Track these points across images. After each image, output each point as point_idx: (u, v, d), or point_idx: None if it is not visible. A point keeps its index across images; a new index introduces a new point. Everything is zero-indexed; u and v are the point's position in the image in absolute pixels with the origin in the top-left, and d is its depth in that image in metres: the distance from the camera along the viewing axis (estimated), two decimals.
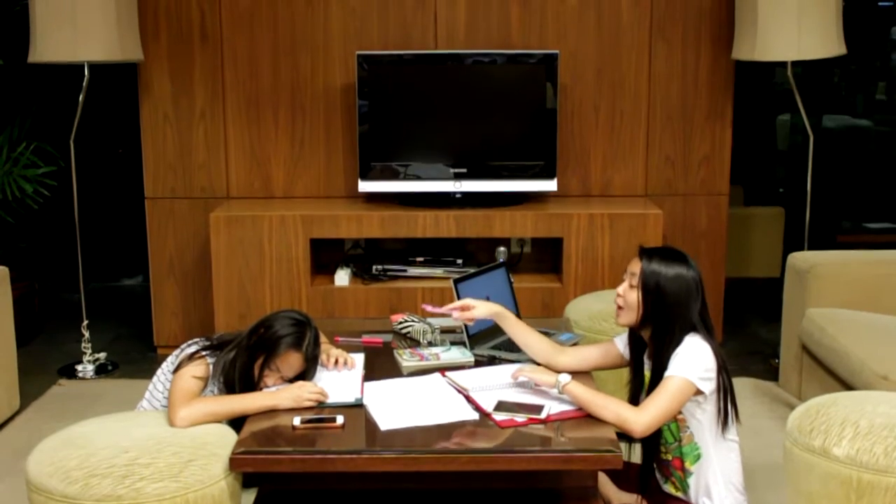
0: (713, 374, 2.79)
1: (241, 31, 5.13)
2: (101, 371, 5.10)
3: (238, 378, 3.05)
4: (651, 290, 2.83)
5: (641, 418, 2.71)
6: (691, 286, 2.83)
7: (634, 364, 2.99)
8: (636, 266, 2.88)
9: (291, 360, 3.06)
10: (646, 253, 2.88)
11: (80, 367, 5.12)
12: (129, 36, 4.85)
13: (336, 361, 3.23)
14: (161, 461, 2.67)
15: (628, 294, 2.89)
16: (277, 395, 2.95)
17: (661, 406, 2.73)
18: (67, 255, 5.41)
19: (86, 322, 5.13)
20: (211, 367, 3.07)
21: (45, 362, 5.25)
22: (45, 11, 4.72)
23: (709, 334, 2.86)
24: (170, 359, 3.21)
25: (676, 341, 2.81)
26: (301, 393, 2.92)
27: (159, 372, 3.25)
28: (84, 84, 4.94)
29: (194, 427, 2.87)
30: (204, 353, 3.09)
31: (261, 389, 3.04)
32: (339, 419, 2.78)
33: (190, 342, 3.17)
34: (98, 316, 5.53)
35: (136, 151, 5.33)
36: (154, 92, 5.18)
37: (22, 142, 5.42)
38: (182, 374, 3.01)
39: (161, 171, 5.22)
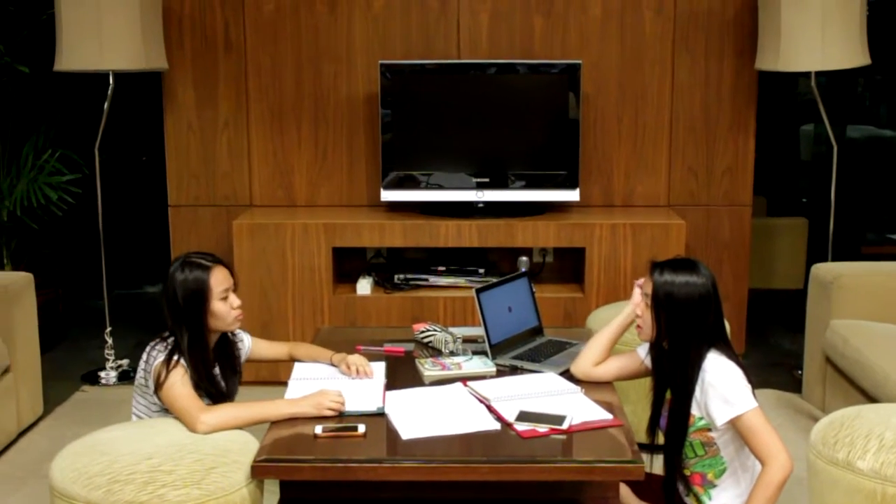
0: (750, 388, 2.79)
1: (264, 41, 5.16)
2: (123, 378, 5.12)
3: (200, 350, 3.10)
4: (662, 302, 2.83)
5: (779, 460, 2.67)
6: (702, 293, 2.82)
7: (657, 372, 2.99)
8: (648, 285, 2.88)
9: (220, 277, 3.14)
10: (656, 267, 2.88)
11: (102, 374, 5.14)
12: (153, 45, 4.88)
13: (357, 371, 3.25)
14: (183, 468, 2.68)
15: (645, 313, 2.91)
16: (299, 402, 2.95)
17: (772, 437, 2.70)
18: (91, 262, 5.44)
19: (109, 329, 5.16)
20: (183, 364, 3.06)
21: (68, 368, 5.28)
22: (71, 21, 4.76)
23: (727, 347, 2.85)
24: (139, 373, 3.17)
25: (695, 355, 2.80)
26: (322, 400, 2.93)
27: (135, 389, 3.24)
28: (109, 92, 4.97)
29: (216, 434, 2.87)
30: (172, 356, 3.07)
31: (233, 328, 3.18)
32: (361, 428, 2.79)
33: (151, 349, 3.13)
34: (121, 323, 5.55)
35: (159, 159, 5.36)
36: (178, 101, 5.21)
37: (47, 149, 5.46)
38: (173, 385, 3.00)
39: (185, 180, 5.24)
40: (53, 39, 4.90)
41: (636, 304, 2.97)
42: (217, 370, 3.22)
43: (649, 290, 2.87)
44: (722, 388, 2.75)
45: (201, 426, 2.90)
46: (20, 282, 4.40)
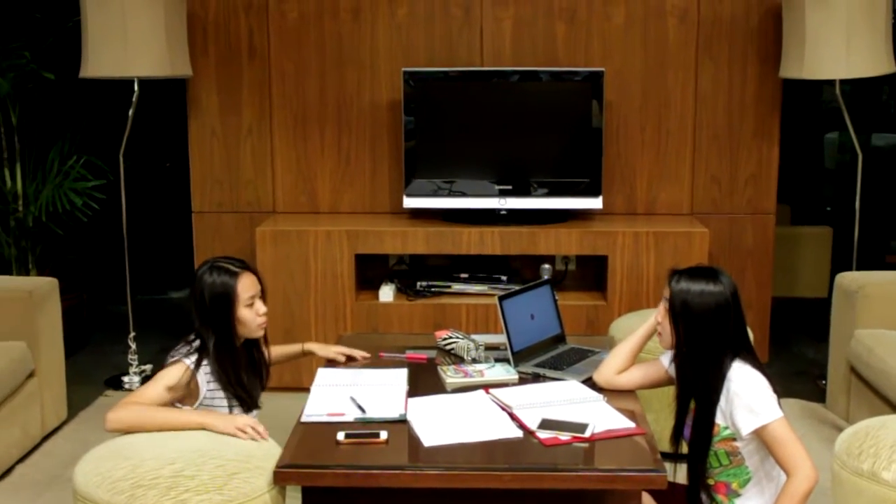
0: (776, 398, 2.78)
1: (288, 48, 5.18)
2: (146, 382, 5.13)
3: (228, 353, 3.12)
4: (679, 310, 2.83)
5: (804, 471, 2.66)
6: (719, 302, 2.80)
7: (680, 382, 2.97)
8: (667, 292, 2.89)
9: (247, 284, 3.15)
10: (674, 275, 2.88)
11: (126, 379, 5.16)
12: (178, 52, 4.91)
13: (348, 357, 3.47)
14: (205, 473, 2.69)
15: (664, 322, 2.90)
16: (211, 416, 2.98)
17: (798, 447, 2.69)
18: (115, 268, 5.47)
19: (133, 334, 5.18)
20: (192, 368, 3.07)
21: (92, 373, 5.31)
22: (97, 28, 4.79)
23: (752, 356, 2.84)
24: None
25: (717, 364, 2.79)
26: (236, 421, 2.95)
27: None
28: (134, 99, 5.00)
29: (239, 440, 2.88)
30: (188, 356, 3.10)
31: (256, 335, 3.21)
32: (383, 434, 2.79)
33: (174, 352, 3.16)
34: (145, 328, 5.57)
35: (183, 166, 5.39)
36: (202, 107, 5.23)
37: (72, 155, 5.49)
38: (159, 376, 3.06)
39: (208, 186, 5.26)
40: (79, 46, 4.93)
41: (658, 316, 2.97)
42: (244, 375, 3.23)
43: (668, 294, 2.87)
44: (747, 397, 2.74)
45: (107, 423, 2.95)
46: (45, 287, 4.42)
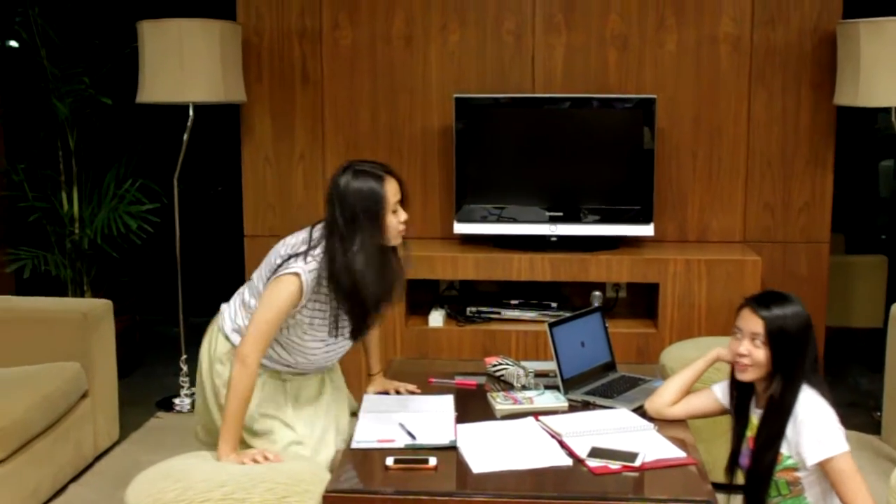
0: (843, 431, 2.75)
1: (341, 74, 5.22)
2: None
3: (374, 256, 3.03)
4: (777, 337, 2.77)
5: None
6: (808, 321, 2.80)
7: (738, 411, 2.94)
8: (752, 322, 2.81)
9: (394, 188, 3.07)
10: (759, 303, 2.83)
11: (177, 401, 5.21)
12: (233, 78, 4.97)
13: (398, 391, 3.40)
14: (256, 496, 2.70)
15: (755, 353, 2.81)
16: (228, 453, 2.96)
17: (861, 484, 2.67)
18: (168, 291, 5.53)
19: (184, 356, 5.23)
20: (305, 282, 3.01)
21: (144, 395, 5.36)
22: (153, 54, 4.87)
23: (821, 384, 2.80)
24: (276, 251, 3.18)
25: (794, 390, 2.76)
26: (244, 458, 2.94)
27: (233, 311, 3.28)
28: (188, 124, 5.07)
29: (290, 463, 2.89)
30: (302, 268, 3.02)
31: (396, 242, 3.13)
32: (432, 461, 2.79)
33: (292, 259, 3.07)
34: (196, 350, 5.59)
35: (236, 190, 5.44)
36: (255, 132, 5.29)
37: (128, 179, 5.56)
38: (271, 298, 3.01)
39: (261, 210, 5.31)
40: (136, 72, 5.01)
41: (739, 348, 2.86)
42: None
43: (756, 326, 2.81)
44: (816, 427, 2.70)
45: (245, 365, 2.95)
46: (99, 309, 4.48)
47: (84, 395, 4.31)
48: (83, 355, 4.30)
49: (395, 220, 3.09)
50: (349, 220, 3.02)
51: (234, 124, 5.38)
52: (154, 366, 5.94)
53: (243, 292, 3.31)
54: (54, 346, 4.28)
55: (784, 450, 2.77)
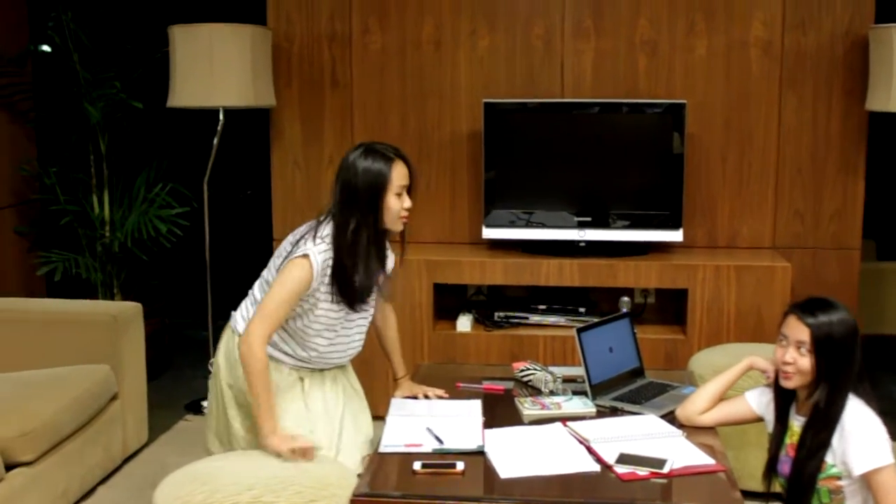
0: (890, 443, 2.73)
1: (370, 79, 5.23)
2: None
3: (367, 237, 3.09)
4: (823, 345, 2.75)
5: None
6: (855, 327, 2.77)
7: (779, 417, 2.92)
8: (798, 330, 2.79)
9: (401, 172, 3.12)
10: (804, 310, 2.80)
11: (205, 403, 5.21)
12: (263, 83, 4.99)
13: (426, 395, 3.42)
14: (283, 500, 2.71)
15: (800, 360, 2.79)
16: (274, 435, 2.98)
17: None
18: (197, 294, 5.56)
19: (213, 359, 5.24)
20: (314, 263, 3.05)
21: (172, 397, 5.39)
22: (184, 59, 4.89)
23: (867, 393, 2.79)
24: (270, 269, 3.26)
25: (842, 398, 2.74)
26: (287, 446, 2.94)
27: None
28: (218, 128, 5.09)
29: (317, 467, 2.90)
30: (311, 251, 3.06)
31: (395, 227, 3.17)
32: (460, 465, 2.79)
33: (302, 240, 3.13)
34: None
35: (265, 194, 5.46)
36: (285, 137, 5.31)
37: (158, 183, 5.60)
38: (282, 282, 3.04)
39: (290, 214, 5.32)
40: (167, 76, 5.04)
41: (784, 356, 2.83)
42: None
43: (801, 334, 2.78)
44: (865, 437, 2.69)
45: (250, 346, 2.98)
46: (129, 312, 4.50)
47: (113, 398, 4.33)
48: (113, 358, 4.33)
49: (398, 204, 3.13)
50: (351, 196, 3.08)
51: (264, 128, 5.40)
52: (183, 368, 5.97)
53: (253, 292, 3.35)
54: (84, 349, 4.31)
55: (828, 458, 2.74)
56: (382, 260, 3.27)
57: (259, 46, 4.96)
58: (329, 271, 3.09)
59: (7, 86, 5.35)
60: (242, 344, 3.01)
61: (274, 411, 3.03)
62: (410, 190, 3.18)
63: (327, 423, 3.29)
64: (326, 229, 3.11)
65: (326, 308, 3.15)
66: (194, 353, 6.03)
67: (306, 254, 3.05)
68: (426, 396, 3.45)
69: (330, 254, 3.08)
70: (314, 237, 3.09)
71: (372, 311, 3.36)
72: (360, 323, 3.31)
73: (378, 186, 3.08)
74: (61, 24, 5.41)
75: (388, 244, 3.34)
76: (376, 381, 4.54)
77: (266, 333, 3.02)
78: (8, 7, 5.42)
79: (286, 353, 3.25)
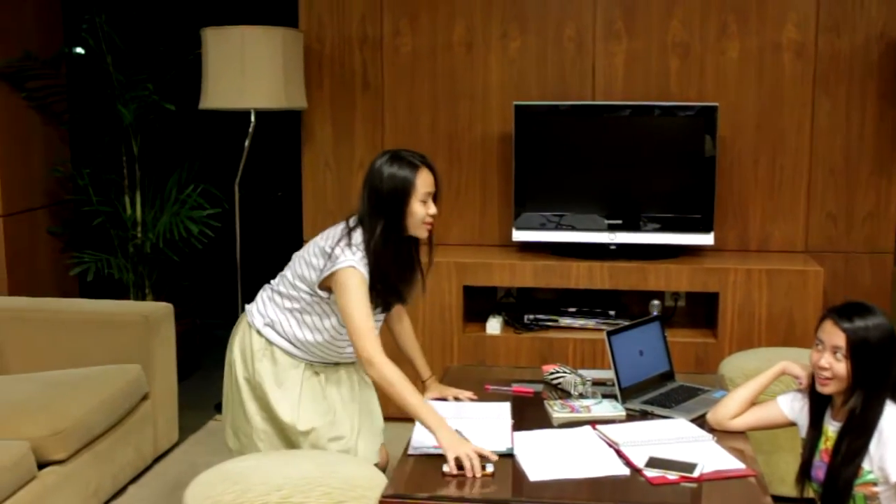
0: None
1: (401, 81, 5.24)
2: None
3: (392, 243, 3.14)
4: (859, 350, 2.73)
5: None
6: (891, 333, 2.74)
7: (814, 422, 2.90)
8: (834, 335, 2.77)
9: (426, 179, 3.15)
10: (840, 315, 2.78)
11: None
12: (294, 85, 5.01)
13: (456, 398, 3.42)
14: (312, 501, 2.72)
15: (835, 366, 2.77)
16: (444, 430, 2.87)
17: None
18: (228, 295, 5.58)
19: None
20: (364, 272, 3.08)
21: (203, 397, 5.41)
22: (216, 61, 4.92)
23: None
24: (296, 266, 3.31)
25: (880, 404, 2.72)
26: (461, 448, 2.81)
27: (278, 287, 3.35)
28: (250, 130, 5.12)
29: (346, 468, 2.90)
30: (352, 259, 3.08)
31: (420, 234, 3.20)
32: (489, 468, 2.78)
33: (334, 243, 3.16)
34: None
35: (296, 195, 5.48)
36: (316, 139, 5.32)
37: (190, 184, 5.62)
38: (352, 301, 3.05)
39: (320, 216, 5.34)
40: (199, 78, 5.07)
41: (820, 361, 2.82)
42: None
43: (837, 339, 2.76)
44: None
45: (372, 364, 2.98)
46: (160, 312, 4.53)
47: (144, 398, 4.36)
48: (144, 358, 4.36)
49: (423, 211, 3.16)
50: (376, 203, 3.13)
51: (295, 130, 5.42)
52: (213, 369, 5.98)
53: (270, 288, 3.39)
54: (116, 349, 4.34)
55: (865, 464, 2.72)
56: (411, 263, 3.29)
57: (291, 48, 4.98)
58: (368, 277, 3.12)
59: (42, 88, 5.40)
60: (369, 368, 3.02)
61: (432, 408, 2.99)
62: (436, 197, 3.21)
63: (346, 413, 3.35)
64: (358, 236, 3.14)
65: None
66: (225, 353, 6.05)
67: (352, 265, 3.08)
68: (456, 399, 3.45)
69: (366, 260, 3.11)
70: (349, 245, 3.13)
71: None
72: (376, 318, 3.33)
73: (403, 192, 3.12)
74: (95, 27, 5.45)
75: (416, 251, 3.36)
76: None
77: (376, 346, 3.03)
78: (43, 10, 5.47)
79: (305, 351, 3.31)
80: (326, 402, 3.33)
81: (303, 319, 3.27)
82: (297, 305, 3.27)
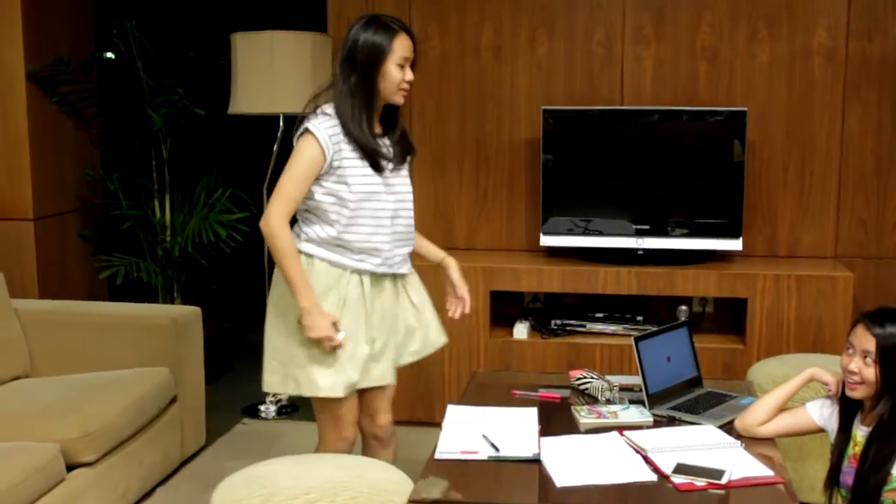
0: None
1: (429, 85, 5.25)
2: (282, 412, 5.24)
3: (363, 102, 3.12)
4: (888, 355, 2.71)
5: None
6: None
7: (843, 426, 2.88)
8: (865, 340, 2.76)
9: (404, 44, 3.13)
10: (873, 319, 2.76)
11: (262, 408, 5.27)
12: None
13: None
14: None
15: (865, 371, 2.76)
16: (310, 310, 3.09)
17: None
18: (255, 298, 5.60)
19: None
20: (316, 134, 3.08)
21: (230, 401, 5.43)
22: (245, 66, 4.94)
23: None
24: None
25: None
26: (319, 331, 3.07)
27: None
28: (278, 134, 5.14)
29: (374, 472, 2.91)
30: (311, 123, 3.10)
31: (395, 99, 3.18)
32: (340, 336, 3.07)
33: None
34: None
35: None
36: None
37: (218, 188, 5.65)
38: (291, 167, 3.11)
39: None
40: (228, 83, 5.09)
41: (850, 365, 2.81)
42: (380, 134, 3.25)
43: (868, 344, 2.76)
44: None
45: (268, 222, 3.08)
46: (189, 315, 4.55)
47: (173, 400, 4.38)
48: (172, 361, 4.38)
49: (399, 75, 3.15)
50: (349, 63, 3.13)
51: None
52: (240, 372, 6.02)
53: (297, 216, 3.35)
54: (145, 352, 4.36)
55: (894, 471, 2.70)
56: (390, 128, 3.29)
57: (319, 53, 5.00)
58: (342, 141, 3.11)
59: (73, 92, 5.44)
60: (264, 226, 3.08)
61: (310, 287, 3.11)
62: (414, 66, 3.20)
63: (381, 328, 3.33)
64: (327, 107, 3.15)
65: (359, 174, 3.15)
66: (252, 356, 6.05)
67: (307, 129, 3.10)
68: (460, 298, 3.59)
69: (336, 123, 3.11)
70: (314, 114, 3.14)
71: (409, 188, 3.36)
72: (402, 197, 3.31)
73: (378, 54, 3.11)
74: (126, 32, 5.49)
75: (404, 125, 3.37)
76: (432, 386, 4.55)
77: (284, 212, 3.08)
78: (74, 15, 5.51)
79: (344, 252, 3.24)
80: (364, 325, 3.27)
81: (327, 217, 3.21)
82: (313, 205, 3.23)
